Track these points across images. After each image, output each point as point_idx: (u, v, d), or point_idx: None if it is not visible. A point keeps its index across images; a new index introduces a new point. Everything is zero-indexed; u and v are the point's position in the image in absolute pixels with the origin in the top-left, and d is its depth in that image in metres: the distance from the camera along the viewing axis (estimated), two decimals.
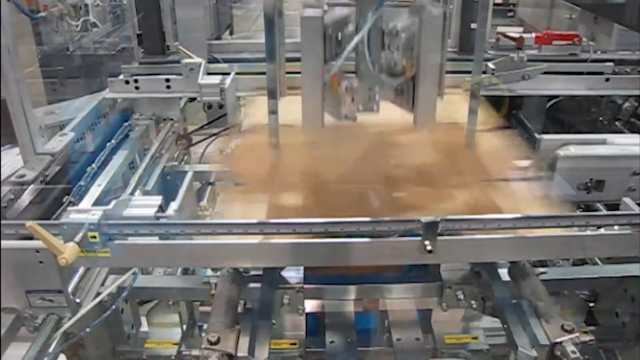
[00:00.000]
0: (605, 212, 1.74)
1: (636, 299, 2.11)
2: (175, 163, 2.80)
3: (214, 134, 3.27)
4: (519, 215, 1.67)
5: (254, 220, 1.64)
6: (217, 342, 1.56)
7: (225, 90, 2.57)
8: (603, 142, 2.33)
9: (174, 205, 1.78)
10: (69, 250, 1.51)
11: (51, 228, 1.60)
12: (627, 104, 3.39)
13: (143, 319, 2.29)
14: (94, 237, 1.60)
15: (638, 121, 3.31)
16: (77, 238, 1.56)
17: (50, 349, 1.79)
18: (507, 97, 3.55)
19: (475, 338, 2.10)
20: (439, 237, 1.63)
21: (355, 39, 1.89)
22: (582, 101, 3.54)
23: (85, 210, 1.64)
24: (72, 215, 1.62)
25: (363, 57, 1.96)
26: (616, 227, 1.76)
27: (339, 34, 1.96)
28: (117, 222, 1.63)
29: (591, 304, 2.32)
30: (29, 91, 2.39)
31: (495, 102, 3.49)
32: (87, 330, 1.79)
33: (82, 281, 1.99)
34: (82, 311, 1.79)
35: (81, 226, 1.58)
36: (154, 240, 1.67)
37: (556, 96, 3.45)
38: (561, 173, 2.23)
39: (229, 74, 2.78)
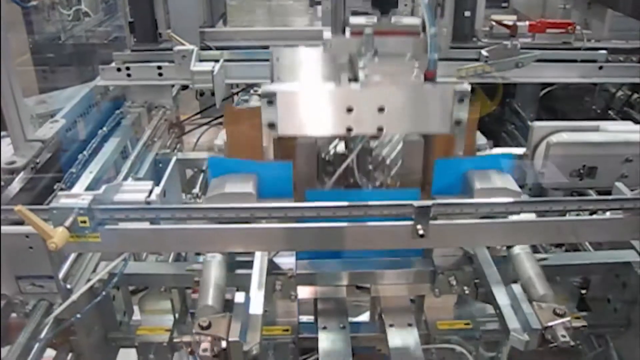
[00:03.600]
0: (597, 197, 1.73)
1: (628, 285, 2.11)
2: (168, 151, 2.79)
3: (206, 123, 3.26)
4: (511, 200, 1.67)
5: (245, 205, 1.63)
6: (209, 326, 1.55)
7: (214, 75, 2.55)
8: (596, 129, 2.33)
9: (156, 190, 1.76)
10: (58, 235, 1.50)
11: (41, 213, 1.58)
12: (620, 93, 3.40)
13: (136, 308, 2.29)
14: (84, 221, 1.59)
15: (631, 110, 3.32)
16: (67, 223, 1.55)
17: (42, 335, 1.79)
18: (501, 86, 3.57)
19: (468, 324, 2.09)
20: (431, 222, 1.62)
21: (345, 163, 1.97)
22: (575, 90, 3.55)
23: (75, 195, 1.63)
24: (62, 200, 1.61)
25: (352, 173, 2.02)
26: (608, 213, 1.77)
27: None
28: (107, 206, 1.62)
29: (583, 291, 2.32)
30: (21, 81, 2.38)
31: (489, 90, 3.51)
32: (78, 315, 1.77)
33: (74, 268, 1.98)
34: (73, 297, 1.77)
35: (71, 211, 1.57)
36: (145, 225, 1.66)
37: (549, 84, 3.46)
38: (553, 160, 2.23)
39: None
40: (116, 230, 1.65)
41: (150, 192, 1.74)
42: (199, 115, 3.42)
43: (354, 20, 2.06)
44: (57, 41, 5.60)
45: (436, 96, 1.85)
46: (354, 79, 1.97)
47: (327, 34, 2.10)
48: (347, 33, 2.07)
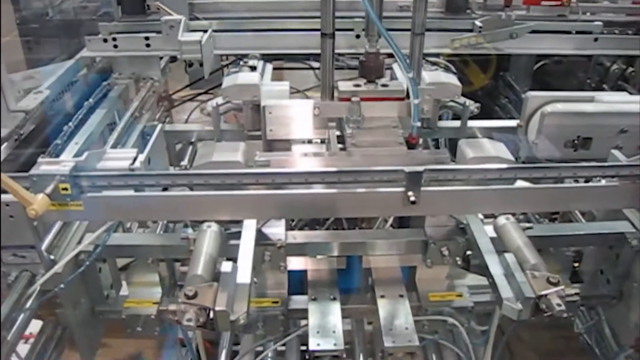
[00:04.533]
0: (593, 163, 1.70)
1: (621, 256, 2.09)
2: (156, 123, 2.73)
3: (197, 95, 3.21)
4: (505, 166, 1.63)
5: (231, 171, 1.59)
6: (195, 296, 1.51)
7: (202, 45, 2.49)
8: (591, 100, 2.29)
9: (141, 157, 1.71)
10: (38, 202, 1.46)
11: (21, 180, 1.54)
12: (614, 67, 3.36)
13: (124, 283, 2.25)
14: (66, 189, 1.54)
15: (626, 83, 3.29)
16: (48, 190, 1.51)
17: (27, 305, 1.75)
18: (495, 59, 3.52)
19: (460, 295, 2.07)
20: (423, 188, 1.58)
21: None
22: (570, 64, 3.51)
23: (56, 162, 1.58)
24: (43, 167, 1.56)
25: None
26: (603, 181, 1.74)
27: None
28: (89, 173, 1.57)
29: (576, 264, 2.30)
30: (9, 58, 2.31)
31: (483, 63, 3.47)
32: (62, 286, 1.73)
33: (60, 240, 1.94)
34: (56, 267, 1.73)
35: (52, 177, 1.53)
36: (129, 192, 1.62)
37: (544, 57, 3.41)
38: (548, 130, 2.19)
39: None
40: (99, 198, 1.60)
41: (135, 159, 1.69)
42: (188, 89, 3.36)
43: (343, 86, 2.11)
44: (45, 17, 5.50)
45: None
46: (343, 140, 2.10)
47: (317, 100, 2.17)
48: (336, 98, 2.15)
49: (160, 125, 2.24)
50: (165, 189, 1.67)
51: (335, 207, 1.64)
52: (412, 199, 1.57)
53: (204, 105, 2.50)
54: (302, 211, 1.68)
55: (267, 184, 1.58)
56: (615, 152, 1.77)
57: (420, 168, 1.56)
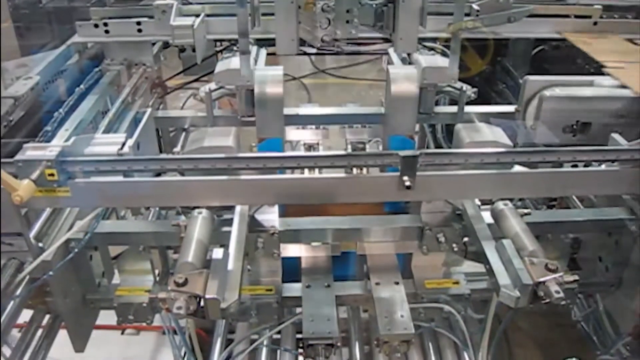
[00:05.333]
0: (593, 147, 1.66)
1: (620, 243, 2.06)
2: (149, 109, 2.69)
3: (191, 81, 3.16)
4: (502, 150, 1.60)
5: (221, 155, 1.55)
6: (185, 283, 1.48)
7: (194, 30, 2.44)
8: (590, 84, 2.26)
9: (129, 142, 1.67)
10: (23, 187, 1.42)
11: (6, 166, 1.50)
12: None
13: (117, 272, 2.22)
14: (52, 174, 1.51)
15: None
16: (34, 175, 1.47)
17: (17, 292, 1.72)
18: (492, 44, 3.47)
19: (457, 283, 2.04)
20: (419, 173, 1.55)
21: None
22: (568, 49, 3.46)
23: (42, 147, 1.54)
24: (29, 152, 1.53)
25: None
26: (603, 166, 1.70)
27: None
28: (75, 158, 1.53)
29: (574, 252, 2.27)
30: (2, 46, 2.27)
31: (480, 48, 3.42)
32: (50, 273, 1.70)
33: (50, 228, 1.90)
34: (44, 255, 1.69)
35: (38, 163, 1.49)
36: (118, 178, 1.58)
37: (542, 42, 3.37)
38: (546, 115, 2.15)
39: None
40: (87, 184, 1.57)
41: (123, 144, 1.65)
42: (182, 75, 3.31)
43: None
44: (38, 4, 5.44)
45: None
46: None
47: None
48: None
49: (149, 110, 2.19)
50: (158, 176, 1.64)
51: (329, 192, 1.60)
52: (407, 183, 1.53)
53: (196, 91, 2.46)
54: (294, 197, 1.64)
55: (259, 169, 1.54)
56: (616, 136, 1.74)
57: (416, 152, 1.52)
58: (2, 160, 1.53)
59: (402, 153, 1.51)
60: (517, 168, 1.66)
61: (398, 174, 1.54)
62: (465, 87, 2.38)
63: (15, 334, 1.97)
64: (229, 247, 1.67)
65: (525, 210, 1.84)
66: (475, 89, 2.39)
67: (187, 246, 1.63)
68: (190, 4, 2.86)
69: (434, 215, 1.91)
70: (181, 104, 3.73)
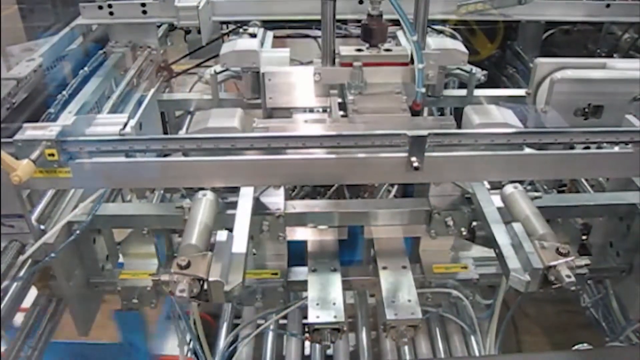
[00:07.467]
0: (606, 128, 1.61)
1: (632, 228, 2.02)
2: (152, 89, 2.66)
3: (197, 65, 3.11)
4: (513, 130, 1.56)
5: (225, 135, 1.51)
6: (188, 266, 1.45)
7: (199, 11, 2.40)
8: (602, 67, 2.21)
9: (131, 122, 1.64)
10: (22, 167, 1.39)
11: (6, 146, 1.47)
12: (626, 35, 3.25)
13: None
14: (52, 154, 1.48)
15: (638, 53, 3.18)
16: (33, 155, 1.44)
17: (21, 274, 1.71)
18: (502, 27, 3.42)
19: (465, 267, 2.01)
20: (427, 154, 1.51)
21: None
22: (580, 33, 3.41)
23: (42, 127, 1.51)
24: (28, 132, 1.50)
25: None
26: (617, 148, 1.66)
27: None
28: (76, 138, 1.51)
29: (584, 237, 2.23)
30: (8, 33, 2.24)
31: (490, 32, 3.37)
32: (53, 255, 1.67)
33: (52, 211, 1.88)
34: (45, 237, 1.67)
35: (38, 143, 1.46)
36: (120, 158, 1.55)
37: (553, 25, 3.31)
38: (557, 98, 2.11)
39: None
40: (88, 165, 1.54)
41: (125, 125, 1.62)
42: (188, 58, 3.27)
43: (344, 51, 2.00)
44: None
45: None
46: (345, 107, 1.98)
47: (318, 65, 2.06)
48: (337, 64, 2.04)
49: (153, 91, 2.16)
50: (164, 157, 1.61)
51: (335, 174, 1.57)
52: (416, 164, 1.50)
53: (202, 73, 2.43)
54: (300, 177, 1.61)
55: (263, 149, 1.51)
56: (630, 117, 1.69)
57: (424, 132, 1.48)
58: (2, 140, 1.50)
59: (411, 133, 1.47)
60: (528, 151, 1.62)
61: (406, 154, 1.51)
62: (474, 69, 2.33)
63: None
64: (233, 230, 1.64)
65: (536, 194, 1.80)
66: (484, 72, 2.34)
67: (190, 228, 1.60)
68: None
69: (443, 198, 1.87)
70: (188, 89, 3.69)
